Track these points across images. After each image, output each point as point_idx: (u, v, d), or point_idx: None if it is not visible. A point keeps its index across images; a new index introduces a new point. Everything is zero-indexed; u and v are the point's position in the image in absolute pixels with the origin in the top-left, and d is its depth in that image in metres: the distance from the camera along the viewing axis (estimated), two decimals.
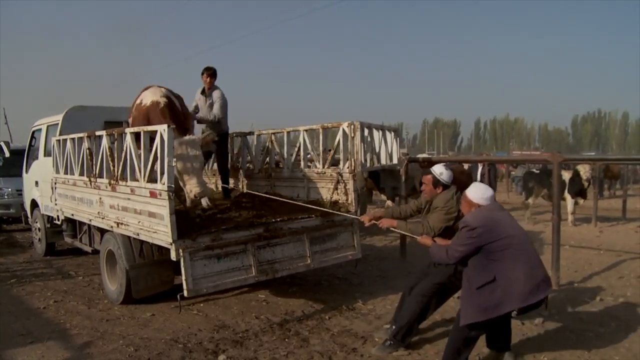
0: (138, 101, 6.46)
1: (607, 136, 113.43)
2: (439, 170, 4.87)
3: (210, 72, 7.42)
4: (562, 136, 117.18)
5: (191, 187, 5.71)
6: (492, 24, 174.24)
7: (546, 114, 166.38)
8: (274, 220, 5.88)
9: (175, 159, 5.42)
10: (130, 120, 6.59)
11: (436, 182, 4.87)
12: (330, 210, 6.21)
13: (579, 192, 12.80)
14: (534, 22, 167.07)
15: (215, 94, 7.46)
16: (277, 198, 6.54)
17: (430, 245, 4.54)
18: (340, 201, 6.60)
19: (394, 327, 4.97)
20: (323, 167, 6.95)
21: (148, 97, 6.30)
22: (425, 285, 4.83)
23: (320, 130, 7.15)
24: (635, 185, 25.81)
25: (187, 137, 5.94)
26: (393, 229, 5.08)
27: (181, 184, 5.83)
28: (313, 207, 6.17)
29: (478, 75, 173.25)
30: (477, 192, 4.32)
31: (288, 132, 7.55)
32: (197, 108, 7.69)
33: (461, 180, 9.67)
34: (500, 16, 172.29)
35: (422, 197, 5.17)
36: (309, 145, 7.30)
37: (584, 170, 12.84)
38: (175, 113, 6.34)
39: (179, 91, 7.01)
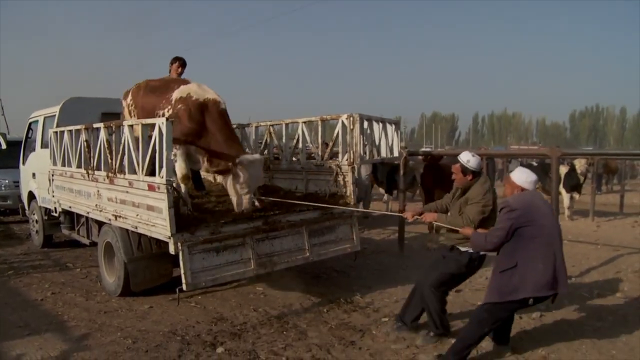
0: (183, 94, 5.97)
1: (605, 131, 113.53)
2: (466, 158, 4.78)
3: (182, 62, 7.13)
4: (559, 131, 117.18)
5: (242, 202, 5.65)
6: (491, 19, 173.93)
7: (544, 109, 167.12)
8: (272, 213, 5.87)
9: (243, 175, 5.51)
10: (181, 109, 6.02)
11: (465, 170, 4.78)
12: (377, 211, 6.14)
13: (574, 186, 12.81)
14: (533, 17, 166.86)
15: None
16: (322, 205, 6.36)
17: (470, 235, 4.51)
18: (338, 193, 6.59)
19: (400, 323, 5.10)
20: (322, 159, 6.94)
21: (201, 93, 5.94)
22: (436, 277, 4.84)
23: (319, 123, 7.12)
24: (633, 181, 25.87)
25: (258, 157, 5.94)
26: (435, 222, 5.04)
27: (231, 191, 5.75)
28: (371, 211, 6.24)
29: (476, 70, 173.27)
30: (522, 176, 4.35)
31: (286, 124, 7.53)
32: None
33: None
34: (499, 12, 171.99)
35: (454, 186, 5.11)
36: (307, 138, 7.28)
37: (580, 165, 12.86)
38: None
39: None
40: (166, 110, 6.06)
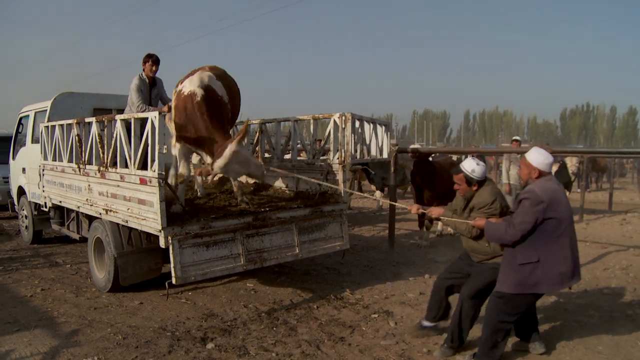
0: (179, 88, 5.80)
1: (595, 130, 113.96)
2: (470, 168, 4.48)
3: (155, 60, 6.90)
4: (550, 129, 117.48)
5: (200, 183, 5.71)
6: (483, 17, 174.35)
7: (535, 107, 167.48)
8: (263, 209, 5.88)
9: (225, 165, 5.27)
10: (172, 106, 5.80)
11: (469, 180, 4.51)
12: (387, 201, 6.03)
13: (564, 184, 12.91)
14: (524, 15, 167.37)
15: (161, 85, 7.12)
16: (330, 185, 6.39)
17: (484, 225, 4.25)
18: (329, 192, 6.61)
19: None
20: (313, 157, 6.95)
21: (187, 86, 5.65)
22: (472, 288, 4.55)
23: (311, 121, 7.13)
24: (622, 179, 26.11)
25: (236, 149, 5.28)
26: (441, 218, 4.83)
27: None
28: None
29: (468, 68, 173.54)
30: (539, 157, 4.14)
31: (278, 122, 7.53)
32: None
33: (450, 172, 9.78)
34: (491, 9, 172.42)
35: (457, 195, 4.84)
36: (299, 136, 7.29)
37: (571, 163, 12.98)
38: (215, 105, 5.68)
39: (171, 78, 6.87)
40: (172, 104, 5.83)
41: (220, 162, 5.23)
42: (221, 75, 6.05)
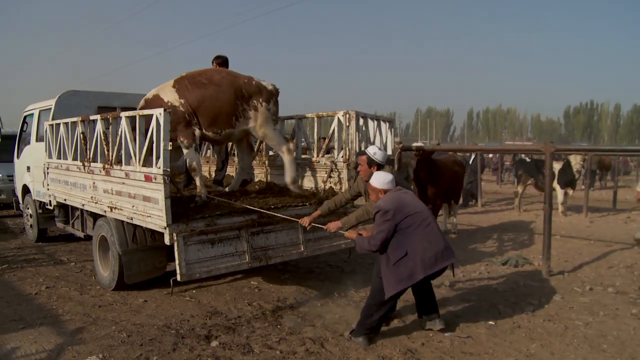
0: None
1: (599, 127, 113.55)
2: (373, 151, 5.10)
3: (220, 61, 7.04)
4: (554, 127, 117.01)
5: None
6: (486, 15, 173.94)
7: (539, 105, 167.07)
8: (268, 207, 5.87)
9: None
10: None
11: (370, 162, 5.09)
12: (268, 212, 5.72)
13: (568, 182, 12.87)
14: (528, 13, 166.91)
15: None
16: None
17: (355, 239, 4.88)
18: (334, 190, 6.61)
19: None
20: (317, 155, 6.95)
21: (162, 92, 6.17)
22: None
23: (315, 119, 7.13)
24: (626, 177, 26.02)
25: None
26: (342, 231, 5.36)
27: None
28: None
29: (471, 66, 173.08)
30: (379, 180, 4.73)
31: (282, 120, 7.53)
32: None
33: (454, 170, 9.74)
34: (494, 7, 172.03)
35: (358, 179, 5.43)
36: (303, 134, 7.29)
37: (575, 161, 12.93)
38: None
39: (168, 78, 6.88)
40: None
41: None
42: (185, 82, 6.21)
